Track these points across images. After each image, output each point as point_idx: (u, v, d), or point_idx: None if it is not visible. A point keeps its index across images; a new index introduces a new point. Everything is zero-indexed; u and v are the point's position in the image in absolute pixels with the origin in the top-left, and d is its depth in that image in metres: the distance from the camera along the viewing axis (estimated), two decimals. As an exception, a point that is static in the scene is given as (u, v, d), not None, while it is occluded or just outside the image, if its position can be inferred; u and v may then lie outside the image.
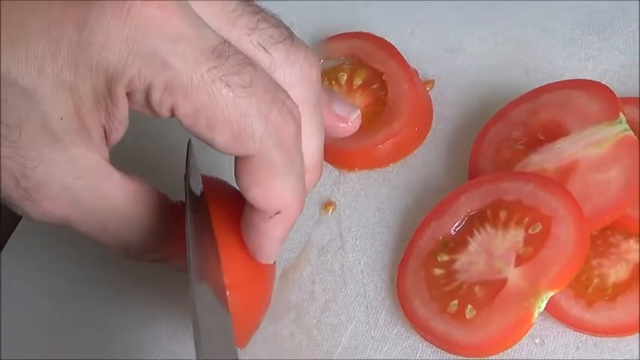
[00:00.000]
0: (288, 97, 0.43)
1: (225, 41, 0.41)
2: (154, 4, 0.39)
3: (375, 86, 0.60)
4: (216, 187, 0.49)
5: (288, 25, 0.45)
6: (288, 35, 0.44)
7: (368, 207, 0.57)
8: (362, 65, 0.62)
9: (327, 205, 0.58)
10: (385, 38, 0.62)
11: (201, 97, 0.40)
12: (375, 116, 0.59)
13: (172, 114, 0.41)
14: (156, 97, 0.40)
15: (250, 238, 0.46)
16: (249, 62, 0.41)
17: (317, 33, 0.65)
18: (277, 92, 0.42)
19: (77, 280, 0.59)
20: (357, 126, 0.50)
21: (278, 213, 0.45)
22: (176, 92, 0.40)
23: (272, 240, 0.46)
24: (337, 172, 0.59)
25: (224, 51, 0.41)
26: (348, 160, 0.59)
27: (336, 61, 0.63)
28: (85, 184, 0.42)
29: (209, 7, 0.42)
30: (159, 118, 0.42)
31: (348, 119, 0.49)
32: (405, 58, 0.60)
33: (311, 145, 0.45)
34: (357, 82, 0.61)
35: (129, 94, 0.41)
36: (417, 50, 0.62)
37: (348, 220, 0.57)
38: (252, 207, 0.45)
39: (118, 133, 0.43)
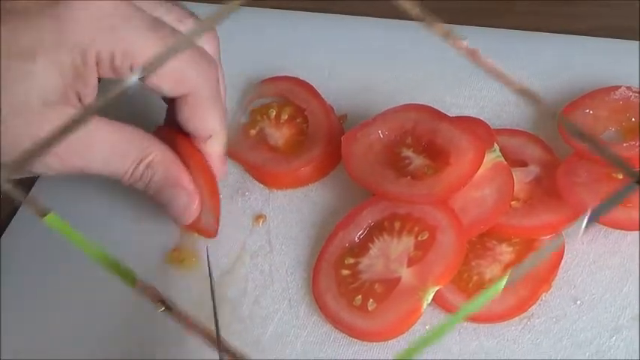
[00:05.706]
0: (205, 51, 0.52)
1: (158, 18, 0.51)
2: None
3: (298, 120, 0.64)
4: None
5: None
6: (191, 14, 0.54)
7: (292, 219, 0.60)
8: (288, 103, 0.64)
9: (259, 217, 0.60)
10: (307, 80, 0.64)
11: (150, 56, 0.47)
12: (298, 144, 0.62)
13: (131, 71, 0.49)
14: (118, 61, 0.49)
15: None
16: (176, 30, 0.51)
17: (252, 76, 0.67)
18: (201, 49, 0.52)
19: (75, 271, 0.60)
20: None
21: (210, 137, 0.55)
22: (132, 55, 0.49)
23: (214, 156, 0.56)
24: (267, 191, 0.61)
25: (160, 25, 0.50)
26: (277, 180, 0.62)
27: (267, 99, 0.65)
28: (79, 134, 0.46)
29: (148, 5, 0.52)
30: (121, 78, 0.49)
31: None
32: (323, 97, 0.64)
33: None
34: (284, 117, 0.64)
35: (98, 64, 0.49)
36: (333, 90, 0.65)
37: (276, 230, 0.59)
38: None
39: (89, 98, 0.50)
